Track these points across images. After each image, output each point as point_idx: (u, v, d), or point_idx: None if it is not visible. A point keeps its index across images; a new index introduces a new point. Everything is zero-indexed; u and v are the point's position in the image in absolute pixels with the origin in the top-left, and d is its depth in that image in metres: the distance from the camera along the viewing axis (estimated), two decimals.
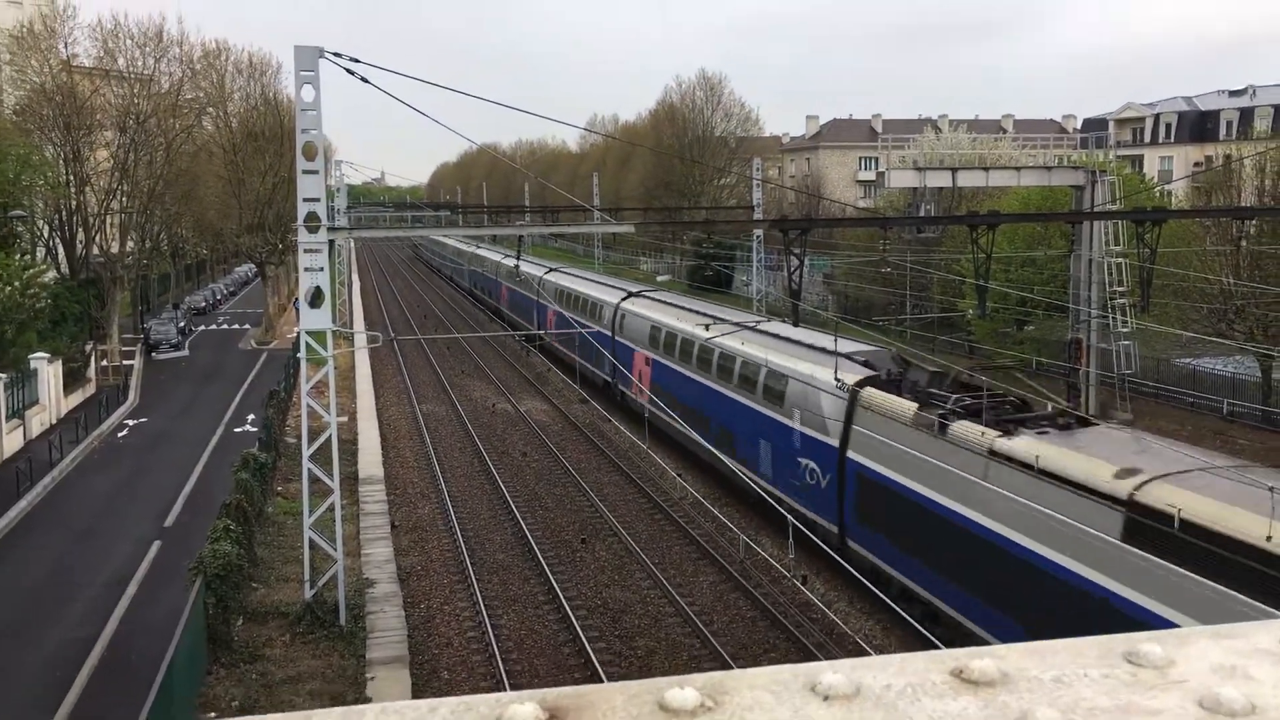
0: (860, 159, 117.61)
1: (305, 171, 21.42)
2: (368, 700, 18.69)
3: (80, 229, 53.61)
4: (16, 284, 39.21)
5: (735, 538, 27.46)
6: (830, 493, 24.66)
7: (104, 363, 51.16)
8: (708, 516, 29.58)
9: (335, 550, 22.10)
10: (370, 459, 35.80)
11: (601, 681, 19.64)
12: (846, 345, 27.28)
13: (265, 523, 27.78)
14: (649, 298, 43.79)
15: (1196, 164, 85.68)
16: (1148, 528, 15.81)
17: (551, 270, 58.75)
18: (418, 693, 19.47)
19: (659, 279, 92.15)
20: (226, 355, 59.56)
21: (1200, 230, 41.69)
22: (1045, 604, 17.63)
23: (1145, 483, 16.32)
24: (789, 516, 24.33)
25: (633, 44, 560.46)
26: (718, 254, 76.00)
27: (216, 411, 44.15)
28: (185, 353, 59.69)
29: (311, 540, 22.32)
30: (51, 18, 55.58)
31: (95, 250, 54.23)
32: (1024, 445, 18.69)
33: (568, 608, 23.38)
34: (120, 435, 40.47)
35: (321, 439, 22.69)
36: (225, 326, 72.40)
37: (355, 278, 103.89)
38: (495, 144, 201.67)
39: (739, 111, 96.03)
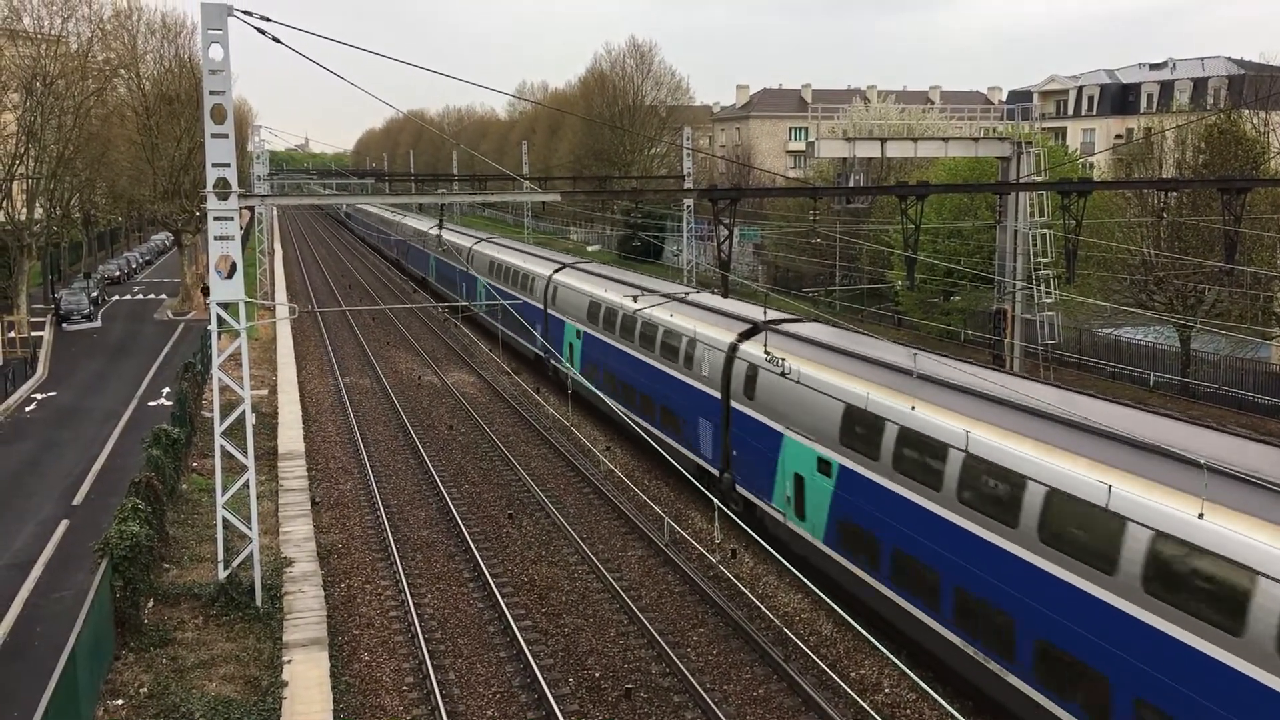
0: (790, 129, 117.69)
1: (214, 135, 20.53)
2: (284, 684, 18.08)
3: None
4: None
5: (665, 511, 27.15)
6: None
7: (11, 334, 49.22)
8: (638, 487, 29.24)
9: (250, 529, 21.35)
10: (291, 434, 34.86)
11: (528, 663, 19.24)
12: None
13: (178, 501, 26.84)
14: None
15: (1118, 136, 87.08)
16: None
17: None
18: (336, 675, 18.89)
19: (589, 249, 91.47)
20: (141, 326, 57.70)
21: (1123, 202, 42.17)
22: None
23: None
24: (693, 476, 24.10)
25: (561, 10, 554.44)
26: (647, 224, 75.49)
27: (130, 385, 42.72)
28: (98, 324, 57.70)
29: (226, 519, 21.53)
30: None
31: (1, 217, 52.03)
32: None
33: (493, 585, 22.92)
34: (28, 410, 38.92)
35: (236, 414, 21.87)
36: (140, 296, 70.19)
37: (277, 246, 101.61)
38: (422, 110, 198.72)
39: (669, 80, 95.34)
